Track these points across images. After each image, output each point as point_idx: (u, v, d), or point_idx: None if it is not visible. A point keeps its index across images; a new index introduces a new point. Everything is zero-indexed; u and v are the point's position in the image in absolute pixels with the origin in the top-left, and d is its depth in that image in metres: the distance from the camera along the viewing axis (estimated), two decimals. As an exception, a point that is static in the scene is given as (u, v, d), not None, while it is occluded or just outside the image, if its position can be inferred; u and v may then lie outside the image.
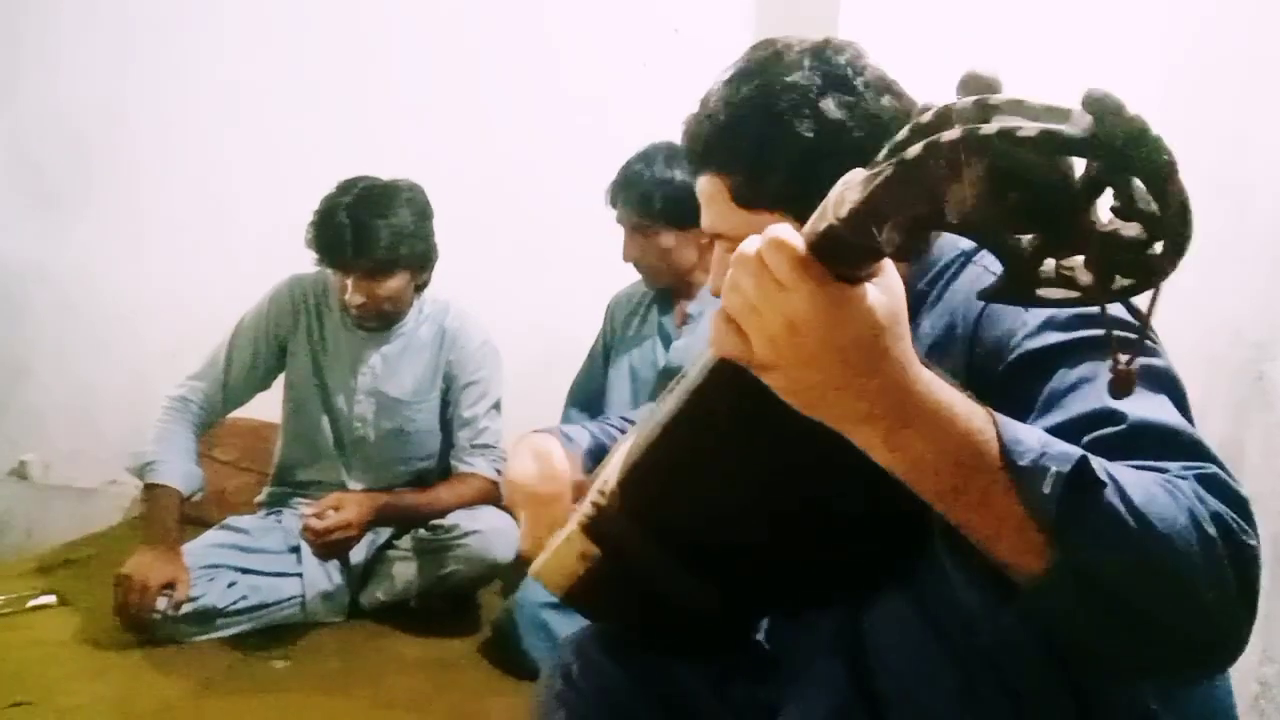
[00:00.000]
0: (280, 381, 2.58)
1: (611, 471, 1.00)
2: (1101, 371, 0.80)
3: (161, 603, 2.14)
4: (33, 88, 3.36)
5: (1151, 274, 0.60)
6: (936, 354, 0.84)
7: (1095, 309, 0.81)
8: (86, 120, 3.32)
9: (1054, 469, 0.68)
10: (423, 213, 2.38)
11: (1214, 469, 0.74)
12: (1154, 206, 0.58)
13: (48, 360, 3.41)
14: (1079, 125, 0.57)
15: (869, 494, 0.81)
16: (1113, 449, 0.74)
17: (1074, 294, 0.62)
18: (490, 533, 2.34)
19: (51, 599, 2.38)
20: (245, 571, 2.32)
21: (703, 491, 0.94)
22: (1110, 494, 0.68)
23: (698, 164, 1.10)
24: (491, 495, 2.47)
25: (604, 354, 2.61)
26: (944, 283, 1.01)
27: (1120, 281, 0.61)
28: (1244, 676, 1.61)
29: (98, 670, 2.07)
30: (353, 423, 2.52)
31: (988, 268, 0.97)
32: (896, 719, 0.93)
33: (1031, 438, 0.71)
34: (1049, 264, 0.62)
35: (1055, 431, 0.76)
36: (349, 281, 2.32)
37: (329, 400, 2.53)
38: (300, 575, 2.38)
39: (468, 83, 3.09)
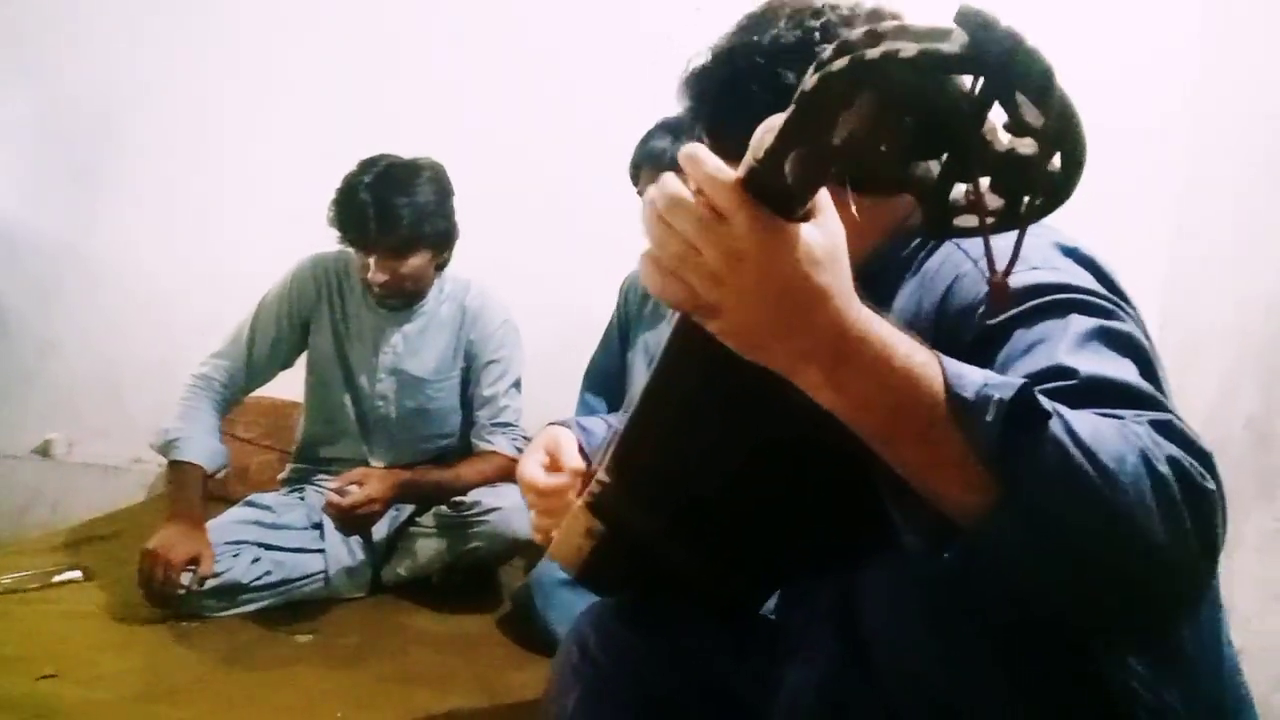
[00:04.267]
0: (302, 360, 2.59)
1: (609, 451, 1.02)
2: (1056, 333, 0.79)
3: (186, 578, 2.16)
4: (61, 65, 3.38)
5: (1056, 191, 0.61)
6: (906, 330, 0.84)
7: (1050, 279, 0.82)
8: (115, 98, 3.35)
9: (997, 396, 0.66)
10: (444, 191, 2.39)
11: (1171, 417, 0.72)
12: (1042, 123, 0.58)
13: (75, 338, 3.45)
14: (956, 43, 0.57)
15: (844, 453, 0.82)
16: (1065, 402, 0.71)
17: (988, 219, 0.63)
18: (512, 510, 2.35)
19: (77, 574, 2.39)
20: (269, 547, 2.34)
21: (687, 458, 0.95)
22: (1055, 426, 0.66)
23: (692, 115, 1.12)
24: (512, 473, 2.44)
25: (620, 334, 2.61)
26: (921, 257, 1.01)
27: (1029, 203, 0.62)
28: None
29: (123, 644, 2.09)
30: (375, 401, 2.53)
31: (959, 244, 0.96)
32: (888, 684, 0.95)
33: (975, 373, 0.70)
34: (958, 192, 0.63)
35: None
36: (371, 260, 2.33)
37: (351, 378, 2.54)
38: (323, 551, 2.40)
39: (490, 61, 3.10)
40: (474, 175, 2.56)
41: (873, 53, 0.58)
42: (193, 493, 2.28)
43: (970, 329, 0.86)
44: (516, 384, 2.56)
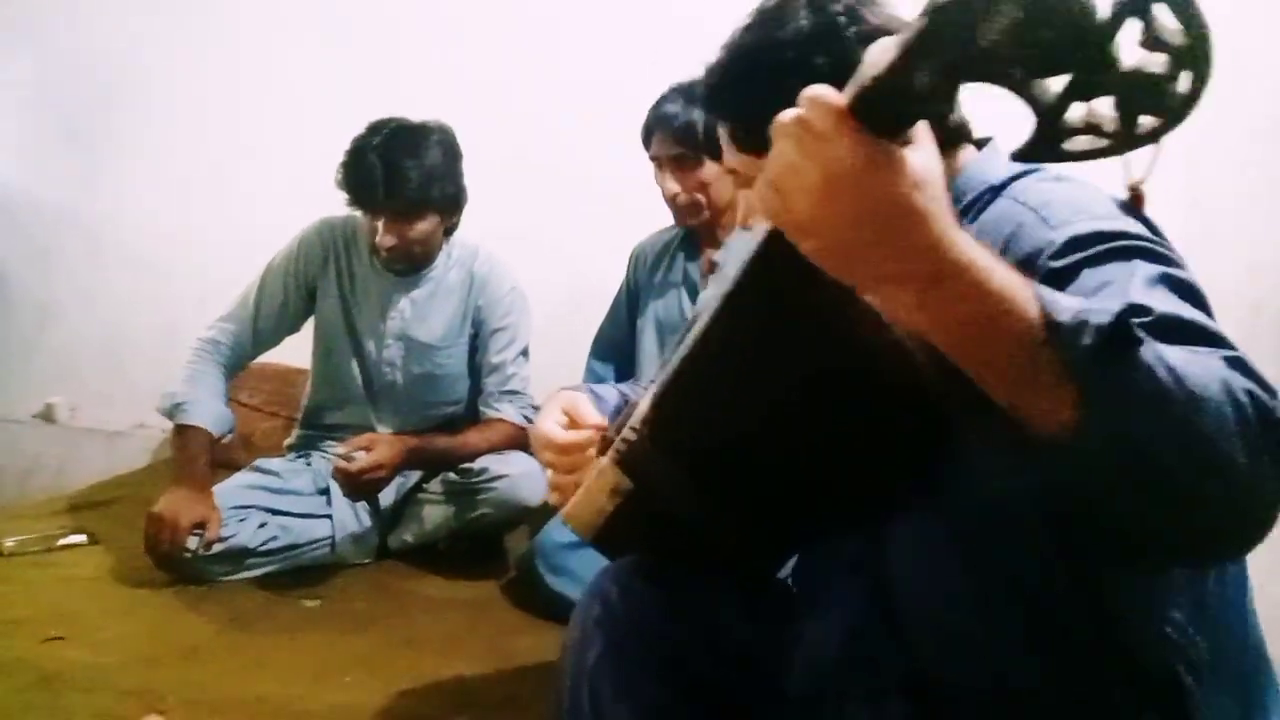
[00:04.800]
0: (309, 325, 2.57)
1: (643, 406, 1.00)
2: (1124, 275, 0.80)
3: (192, 542, 2.15)
4: (62, 31, 3.35)
5: (1175, 111, 0.60)
6: None
7: (1116, 227, 0.83)
8: (116, 62, 3.32)
9: (1093, 322, 0.68)
10: (453, 154, 2.37)
11: (1241, 355, 0.73)
12: (1179, 39, 0.57)
13: (77, 303, 3.43)
14: None
15: (893, 408, 0.83)
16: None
17: (1102, 142, 0.62)
18: (519, 477, 2.34)
19: (82, 538, 2.39)
20: (276, 513, 2.33)
21: (731, 410, 0.93)
22: (1146, 352, 0.67)
23: (706, 107, 1.18)
24: (519, 440, 2.47)
25: (628, 303, 2.59)
26: (972, 216, 1.01)
27: (1145, 123, 0.61)
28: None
29: (129, 607, 2.09)
30: (382, 367, 2.52)
31: (1015, 198, 0.96)
32: (914, 635, 0.96)
33: (1069, 299, 0.71)
34: (1075, 113, 0.62)
35: None
36: (379, 223, 2.31)
37: (358, 344, 2.53)
38: (330, 517, 2.39)
39: (497, 25, 3.07)
40: (482, 139, 2.53)
41: None
42: (199, 457, 2.27)
43: (1031, 276, 0.86)
44: (524, 351, 2.55)
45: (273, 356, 2.65)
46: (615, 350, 2.54)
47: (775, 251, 0.78)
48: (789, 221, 0.72)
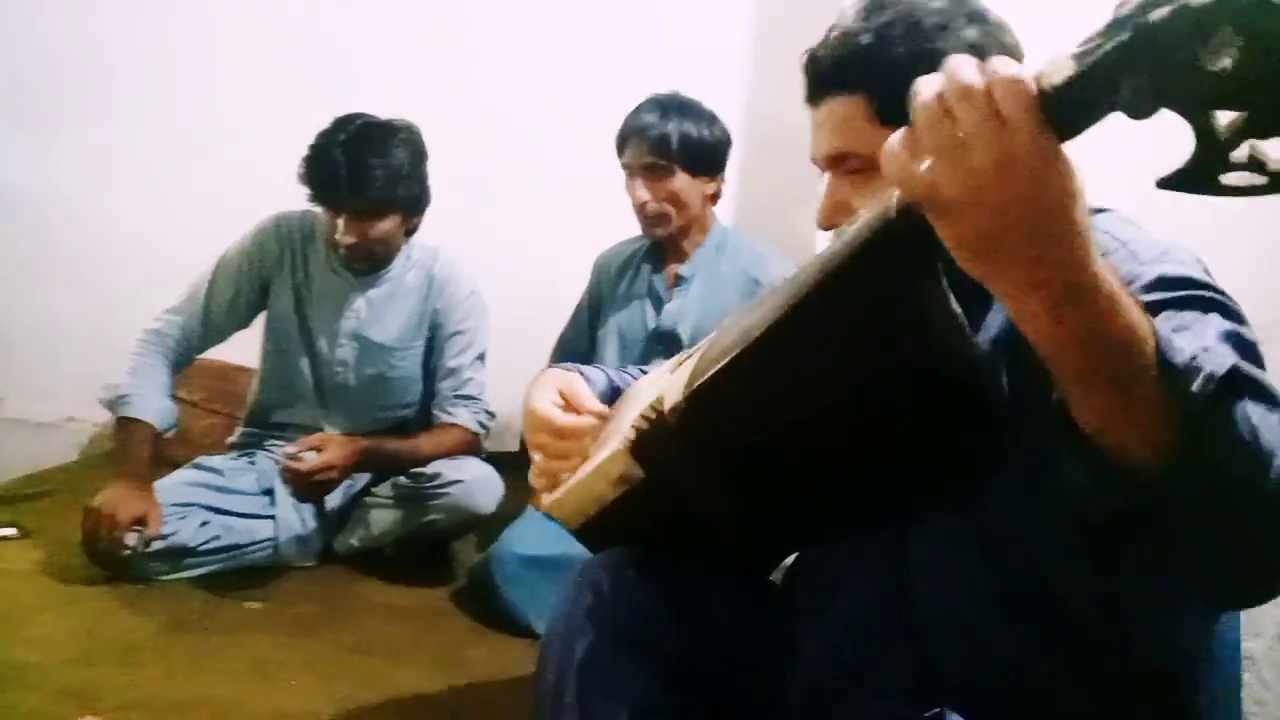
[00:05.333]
0: (257, 323, 2.52)
1: (670, 391, 0.96)
2: (1201, 325, 0.81)
3: (132, 538, 2.09)
4: (15, 13, 3.24)
5: None
6: None
7: (1198, 276, 0.85)
8: (67, 47, 3.21)
9: (1208, 369, 0.69)
10: (418, 154, 2.34)
11: None
12: None
13: (8, 292, 3.30)
14: None
15: (944, 422, 0.83)
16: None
17: (1260, 180, 0.60)
18: (473, 483, 2.32)
19: (12, 531, 2.32)
20: (218, 511, 2.28)
21: (777, 406, 0.90)
22: (1241, 404, 0.70)
23: (832, 87, 1.06)
24: (472, 446, 2.45)
25: (589, 312, 2.59)
26: None
27: None
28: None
29: (65, 603, 2.02)
30: (334, 366, 2.47)
31: (1100, 227, 0.93)
32: (933, 636, 0.97)
33: (1180, 339, 0.72)
34: (1243, 149, 0.60)
35: None
36: (340, 221, 2.27)
37: (310, 342, 2.48)
38: (274, 518, 2.34)
39: (462, 25, 3.04)
40: (444, 142, 2.49)
41: None
42: (141, 451, 2.22)
43: None
44: (481, 356, 2.52)
45: (215, 353, 2.59)
46: (575, 359, 2.49)
47: (901, 227, 0.75)
48: (939, 198, 0.68)
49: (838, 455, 0.90)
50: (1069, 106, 0.63)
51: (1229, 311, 0.85)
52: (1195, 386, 0.69)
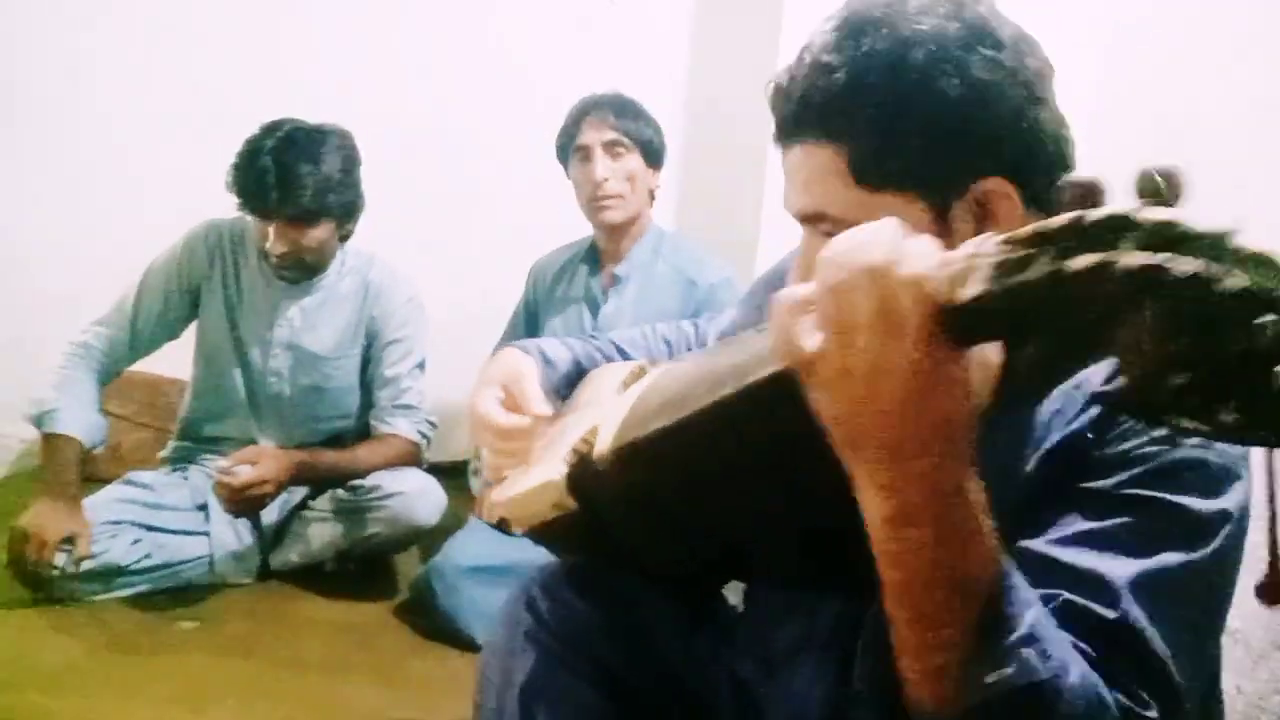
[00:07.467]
0: (188, 333, 2.45)
1: (605, 427, 0.94)
2: (1142, 537, 0.76)
3: (60, 558, 2.05)
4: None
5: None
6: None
7: (1180, 501, 0.78)
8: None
9: (1011, 672, 0.66)
10: (351, 160, 2.29)
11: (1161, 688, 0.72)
12: None
13: (-73, 302, 3.20)
14: None
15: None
16: (1084, 623, 0.73)
17: (1205, 428, 0.54)
18: (414, 495, 2.28)
19: (-65, 553, 2.24)
20: (150, 529, 2.23)
21: (705, 488, 0.87)
22: (1047, 690, 0.67)
23: (801, 130, 0.89)
24: (413, 457, 2.42)
25: (526, 320, 2.57)
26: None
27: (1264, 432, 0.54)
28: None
29: (-11, 628, 1.97)
30: (267, 377, 2.42)
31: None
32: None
33: (1026, 609, 0.68)
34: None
35: (1048, 562, 0.76)
36: (271, 229, 2.22)
37: (243, 353, 2.42)
38: (208, 534, 2.29)
39: (395, 28, 3.00)
40: (378, 147, 2.44)
41: (1181, 268, 0.49)
42: (69, 468, 2.15)
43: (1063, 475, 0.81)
44: (420, 365, 2.47)
45: (144, 365, 2.51)
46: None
47: (774, 392, 0.71)
48: (816, 375, 0.63)
49: (766, 513, 0.88)
50: (973, 323, 0.58)
51: (1182, 517, 0.77)
52: (1010, 669, 0.65)
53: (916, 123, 0.83)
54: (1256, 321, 0.49)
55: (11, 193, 3.08)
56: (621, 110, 2.30)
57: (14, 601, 2.06)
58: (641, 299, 2.35)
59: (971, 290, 0.56)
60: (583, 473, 0.94)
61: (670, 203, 2.82)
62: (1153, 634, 0.73)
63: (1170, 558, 0.76)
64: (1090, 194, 0.56)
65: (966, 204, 0.84)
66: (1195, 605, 0.78)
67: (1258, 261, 0.49)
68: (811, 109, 0.87)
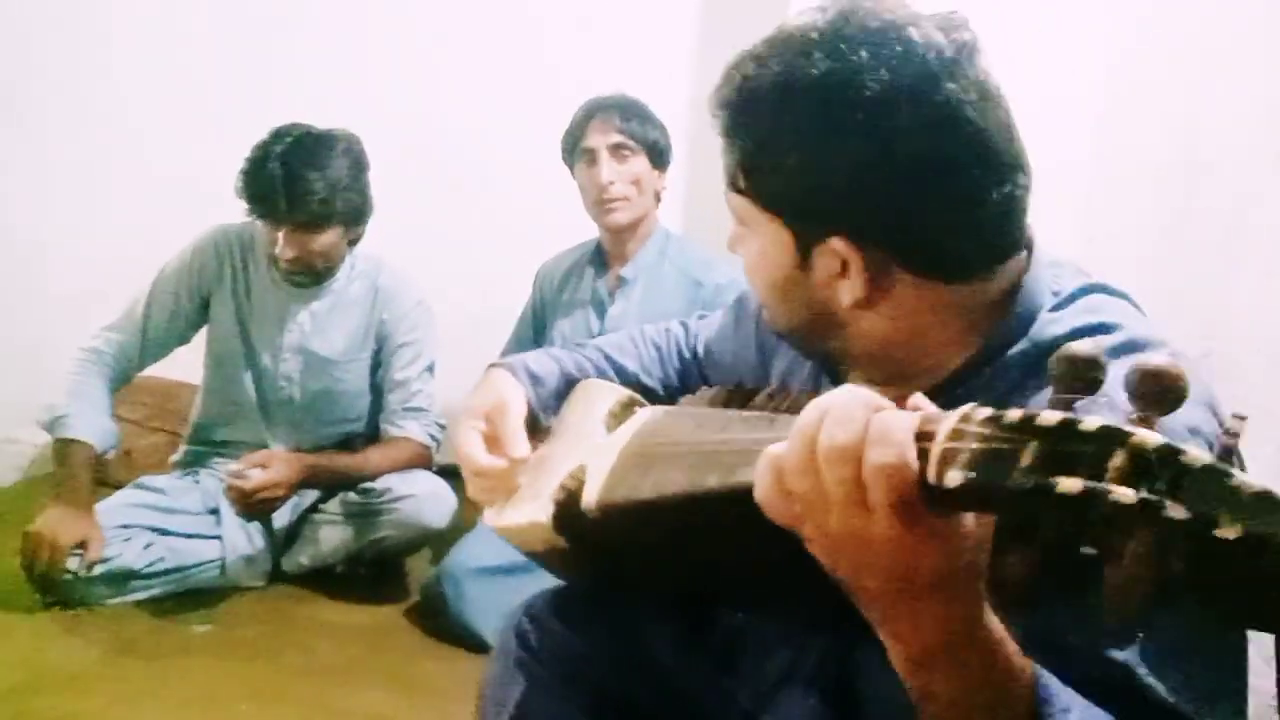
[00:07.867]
0: (199, 338, 2.47)
1: (592, 475, 0.93)
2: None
3: (73, 562, 2.06)
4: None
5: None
6: None
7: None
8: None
9: None
10: (359, 165, 2.30)
11: None
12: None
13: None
14: None
15: None
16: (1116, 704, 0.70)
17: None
18: (424, 498, 2.29)
19: (-52, 558, 2.25)
20: (162, 532, 2.23)
21: (689, 553, 0.88)
22: None
23: (719, 122, 0.90)
24: (424, 460, 2.42)
25: (533, 324, 2.58)
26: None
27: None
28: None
29: (3, 632, 1.98)
30: (278, 381, 2.43)
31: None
32: None
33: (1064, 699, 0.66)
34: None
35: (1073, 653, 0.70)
36: (280, 234, 2.22)
37: (253, 357, 2.43)
38: (219, 538, 2.30)
39: (403, 32, 3.01)
40: (386, 151, 2.46)
41: (1178, 513, 0.47)
42: (81, 472, 2.16)
43: None
44: (430, 368, 2.48)
45: (156, 370, 2.53)
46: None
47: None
48: (801, 532, 0.62)
49: (751, 579, 0.89)
50: (954, 503, 0.56)
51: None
52: None
53: (787, 152, 0.82)
54: (1256, 564, 0.47)
55: (25, 199, 3.11)
56: (628, 112, 2.29)
57: (27, 606, 2.06)
58: (648, 301, 2.35)
59: (951, 479, 0.54)
60: (569, 513, 0.95)
61: (676, 204, 2.82)
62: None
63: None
64: (1091, 365, 0.55)
65: (827, 253, 0.83)
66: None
67: (1259, 500, 0.47)
68: (718, 112, 0.88)
